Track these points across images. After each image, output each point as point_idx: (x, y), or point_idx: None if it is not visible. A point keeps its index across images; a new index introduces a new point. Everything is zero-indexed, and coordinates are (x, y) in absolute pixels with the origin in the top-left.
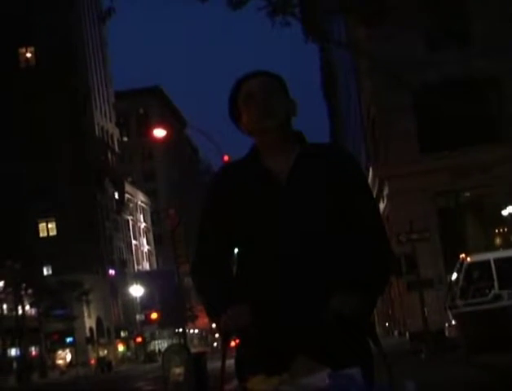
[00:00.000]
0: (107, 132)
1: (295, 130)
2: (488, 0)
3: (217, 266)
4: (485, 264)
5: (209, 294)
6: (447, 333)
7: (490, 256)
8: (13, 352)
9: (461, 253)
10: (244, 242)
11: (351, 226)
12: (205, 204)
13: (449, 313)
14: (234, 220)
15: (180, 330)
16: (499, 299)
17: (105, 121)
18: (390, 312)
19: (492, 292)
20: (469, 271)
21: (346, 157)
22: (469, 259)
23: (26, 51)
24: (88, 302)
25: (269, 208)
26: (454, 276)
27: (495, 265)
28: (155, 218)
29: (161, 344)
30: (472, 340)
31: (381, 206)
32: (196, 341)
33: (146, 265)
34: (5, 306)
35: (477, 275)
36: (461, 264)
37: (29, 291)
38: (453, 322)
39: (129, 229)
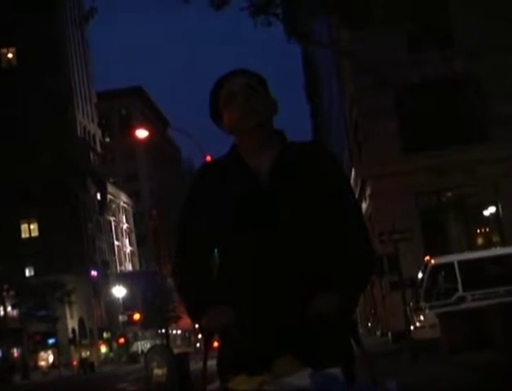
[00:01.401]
0: (89, 132)
1: (276, 129)
2: (470, 1)
3: (197, 266)
4: (449, 266)
5: (190, 294)
6: (412, 335)
7: (454, 258)
8: None
9: (444, 253)
10: (225, 241)
11: (333, 225)
12: (184, 203)
13: (414, 315)
14: (214, 219)
15: (163, 331)
16: (462, 301)
17: (87, 122)
18: (372, 312)
19: (456, 294)
20: (433, 273)
21: (327, 156)
22: (433, 261)
23: (8, 52)
24: (70, 303)
25: (249, 207)
26: (419, 278)
27: (459, 267)
28: (137, 219)
29: (143, 345)
30: (452, 339)
31: (364, 206)
32: (179, 342)
33: (128, 266)
34: None
35: (441, 277)
36: (426, 266)
37: (11, 292)
38: (418, 325)
39: (111, 230)
